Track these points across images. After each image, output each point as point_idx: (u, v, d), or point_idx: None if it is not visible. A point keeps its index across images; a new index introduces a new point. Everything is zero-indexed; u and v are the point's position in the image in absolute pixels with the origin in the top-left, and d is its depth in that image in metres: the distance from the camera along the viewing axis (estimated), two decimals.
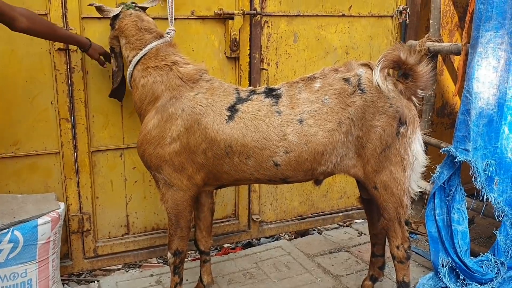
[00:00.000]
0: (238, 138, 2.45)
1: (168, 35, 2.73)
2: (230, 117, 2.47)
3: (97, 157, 3.17)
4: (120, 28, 2.71)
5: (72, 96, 2.99)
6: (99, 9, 2.74)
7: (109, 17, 2.75)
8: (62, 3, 2.84)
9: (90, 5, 2.77)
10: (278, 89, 2.55)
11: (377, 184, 2.56)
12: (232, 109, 2.49)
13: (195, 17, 3.21)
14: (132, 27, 2.68)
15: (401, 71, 2.57)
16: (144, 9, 2.82)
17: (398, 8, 3.85)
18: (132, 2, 2.81)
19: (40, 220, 2.73)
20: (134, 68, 2.66)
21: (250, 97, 2.53)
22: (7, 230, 2.62)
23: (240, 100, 2.52)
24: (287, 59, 3.60)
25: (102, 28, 2.97)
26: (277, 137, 2.44)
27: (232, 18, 3.26)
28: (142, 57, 2.64)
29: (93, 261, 3.28)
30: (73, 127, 3.03)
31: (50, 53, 2.90)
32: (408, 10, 3.82)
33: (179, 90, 2.55)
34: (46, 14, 2.83)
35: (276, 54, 3.55)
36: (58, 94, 2.95)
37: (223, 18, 3.27)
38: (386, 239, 2.84)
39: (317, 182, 2.73)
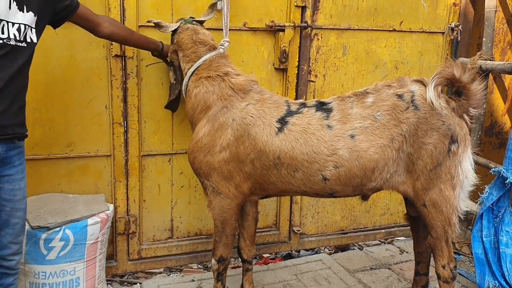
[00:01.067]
0: (287, 150, 2.47)
1: (222, 47, 2.80)
2: (280, 129, 2.49)
3: (147, 161, 3.25)
4: (178, 42, 2.79)
5: (126, 102, 3.08)
6: (157, 25, 2.83)
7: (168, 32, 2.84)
8: (120, 12, 2.94)
9: (148, 21, 2.88)
10: (329, 103, 2.55)
11: (426, 202, 2.52)
12: (282, 121, 2.51)
13: (247, 28, 3.27)
14: (188, 41, 2.76)
15: (454, 89, 2.53)
16: (201, 22, 2.90)
17: (450, 24, 3.80)
18: (190, 17, 2.89)
19: (90, 221, 2.82)
20: (189, 79, 2.73)
21: (301, 110, 2.54)
22: (59, 228, 2.71)
23: (290, 113, 2.54)
24: (335, 72, 3.60)
25: (158, 36, 3.04)
26: (327, 151, 2.44)
27: (283, 30, 3.29)
28: (196, 68, 2.71)
29: (137, 263, 3.35)
30: (125, 131, 3.12)
31: (107, 59, 3.00)
32: (460, 27, 3.77)
33: (230, 100, 2.60)
34: None
35: (324, 67, 3.56)
36: (113, 99, 3.05)
37: (274, 30, 3.31)
38: (431, 257, 2.79)
39: (364, 197, 2.71)
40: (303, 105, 2.58)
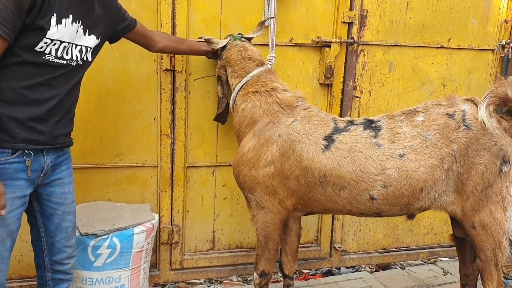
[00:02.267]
0: (333, 168, 2.46)
1: (270, 62, 2.84)
2: (327, 147, 2.49)
3: (191, 173, 3.31)
4: (227, 58, 2.85)
5: (174, 114, 3.15)
6: (208, 41, 2.90)
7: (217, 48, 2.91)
8: (172, 27, 3.03)
9: (200, 38, 2.97)
10: (378, 121, 2.53)
11: (475, 223, 2.46)
12: (329, 139, 2.51)
13: (293, 44, 3.30)
14: (237, 57, 2.82)
15: (506, 108, 2.48)
16: (249, 39, 2.96)
17: (501, 42, 3.72)
18: (239, 33, 2.96)
19: (136, 229, 2.88)
20: (237, 94, 2.78)
21: (348, 127, 2.54)
22: (106, 236, 2.79)
23: (337, 130, 2.53)
24: (380, 88, 3.58)
25: None
26: (376, 170, 2.42)
27: (329, 46, 3.30)
28: (244, 83, 2.75)
29: (178, 273, 3.40)
30: (172, 143, 3.19)
31: (157, 73, 3.09)
32: (511, 44, 3.68)
33: (277, 115, 2.62)
34: None
35: (370, 83, 3.54)
36: (161, 111, 3.13)
37: (320, 46, 3.33)
38: (478, 280, 2.71)
39: (410, 216, 2.67)
40: (351, 122, 2.57)
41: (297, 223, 2.92)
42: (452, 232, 2.85)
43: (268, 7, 3.10)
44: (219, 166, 3.35)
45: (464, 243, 2.78)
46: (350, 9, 3.34)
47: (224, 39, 2.94)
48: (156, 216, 3.07)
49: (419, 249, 3.96)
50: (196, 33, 3.08)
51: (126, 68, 3.04)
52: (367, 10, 3.40)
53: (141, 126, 3.14)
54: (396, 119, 2.51)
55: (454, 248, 3.99)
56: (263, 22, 3.01)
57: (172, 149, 3.20)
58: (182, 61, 3.07)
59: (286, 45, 3.28)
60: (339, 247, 3.68)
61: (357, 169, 2.43)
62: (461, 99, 2.49)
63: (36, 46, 1.97)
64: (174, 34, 3.04)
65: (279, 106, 2.65)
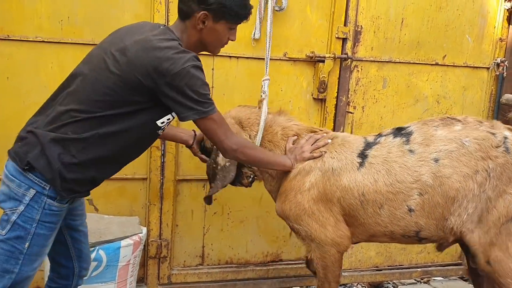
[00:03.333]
0: (370, 184, 2.39)
1: (264, 93, 2.76)
2: (361, 164, 2.43)
3: (181, 186, 3.27)
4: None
5: None
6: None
7: None
8: None
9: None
10: (407, 127, 2.48)
11: (491, 259, 2.33)
12: (362, 155, 2.45)
13: (287, 58, 3.28)
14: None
15: None
16: None
17: (496, 60, 3.71)
18: None
19: (123, 242, 2.84)
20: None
21: (378, 140, 2.49)
22: (93, 248, 2.74)
23: (368, 145, 2.49)
24: (374, 104, 3.56)
25: None
26: (411, 178, 2.34)
27: (323, 61, 3.29)
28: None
29: None
30: (163, 155, 3.15)
31: None
32: (506, 62, 3.67)
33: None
34: None
35: (363, 98, 3.52)
36: None
37: (314, 61, 3.31)
38: None
39: (441, 247, 2.57)
40: (379, 135, 2.53)
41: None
42: (467, 265, 2.71)
43: (260, 23, 3.09)
44: None
45: (481, 275, 2.63)
46: (345, 24, 3.33)
47: None
48: (144, 230, 3.02)
49: (412, 267, 3.90)
50: None
51: None
52: (361, 26, 3.39)
53: None
54: (431, 123, 2.44)
55: (448, 267, 3.98)
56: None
57: (162, 162, 3.17)
58: None
59: (280, 60, 3.27)
60: None
61: (393, 180, 2.36)
62: (503, 126, 2.42)
63: (160, 119, 2.13)
64: None
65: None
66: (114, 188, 3.14)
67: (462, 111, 3.76)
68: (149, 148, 3.09)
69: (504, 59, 3.69)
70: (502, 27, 3.69)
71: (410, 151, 2.37)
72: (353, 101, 3.49)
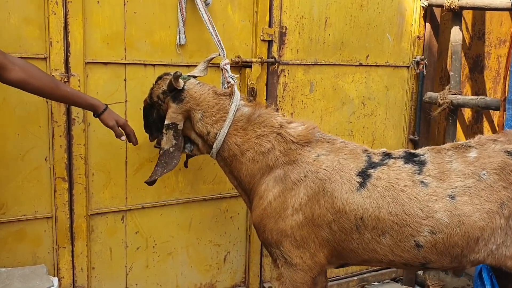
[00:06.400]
0: (372, 210, 2.12)
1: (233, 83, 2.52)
2: (362, 184, 2.15)
3: (95, 221, 2.75)
4: (195, 100, 2.36)
5: (70, 152, 2.58)
6: (175, 78, 2.35)
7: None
8: (64, 46, 2.48)
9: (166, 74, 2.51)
10: (421, 155, 2.23)
11: None
12: (363, 175, 2.16)
13: (210, 64, 2.87)
14: (210, 97, 2.38)
15: None
16: (195, 78, 2.52)
17: (415, 58, 3.66)
18: (177, 72, 2.44)
19: None
20: (223, 142, 2.34)
21: (385, 161, 2.22)
22: None
23: (372, 164, 2.21)
24: (302, 110, 3.32)
25: (107, 75, 2.62)
26: (422, 213, 2.09)
27: (250, 67, 2.97)
28: (228, 128, 2.34)
29: None
30: (70, 187, 2.61)
31: (47, 102, 2.51)
32: (425, 60, 3.65)
33: (297, 154, 2.27)
34: (45, 58, 2.47)
35: (291, 104, 3.27)
36: (55, 149, 2.54)
37: (240, 66, 2.98)
38: None
39: (458, 272, 2.36)
40: (387, 155, 2.25)
41: (323, 276, 2.50)
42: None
43: (184, 26, 2.71)
44: (129, 210, 2.83)
45: None
46: (269, 26, 3.04)
47: (161, 76, 2.49)
48: (55, 281, 2.46)
49: (348, 277, 3.74)
50: (96, 53, 2.57)
51: (6, 98, 2.42)
52: (285, 27, 3.12)
53: (28, 170, 2.53)
54: (444, 153, 2.21)
55: (381, 271, 3.90)
56: (211, 59, 2.61)
57: (70, 195, 2.62)
58: (79, 86, 2.52)
59: None
60: (269, 287, 3.32)
61: (399, 210, 2.10)
62: None
63: None
64: (67, 54, 2.49)
65: (295, 144, 2.28)
66: (9, 233, 2.53)
67: (386, 111, 3.68)
68: (53, 179, 2.55)
69: (423, 57, 3.66)
70: (419, 25, 3.65)
71: (422, 182, 2.14)
72: (282, 108, 3.22)
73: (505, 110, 3.04)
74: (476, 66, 3.94)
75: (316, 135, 2.33)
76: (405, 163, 2.20)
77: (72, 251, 2.68)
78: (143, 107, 2.58)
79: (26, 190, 2.53)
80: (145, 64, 2.73)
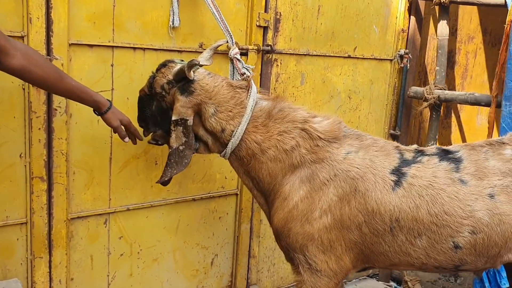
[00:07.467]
0: (409, 210, 1.98)
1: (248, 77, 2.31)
2: (397, 183, 1.99)
3: (76, 226, 2.40)
4: (207, 93, 2.10)
5: (50, 147, 2.22)
6: (190, 66, 2.07)
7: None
8: (46, 25, 2.11)
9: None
10: (455, 152, 2.10)
11: None
12: (398, 173, 2.01)
13: (203, 50, 2.63)
14: (225, 90, 2.12)
15: None
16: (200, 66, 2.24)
17: (399, 51, 3.60)
18: (182, 60, 2.23)
19: None
20: (240, 140, 2.10)
21: (419, 158, 2.07)
22: None
23: (405, 162, 2.06)
24: (293, 103, 3.12)
25: (93, 59, 2.28)
26: (463, 212, 1.96)
27: (246, 54, 2.74)
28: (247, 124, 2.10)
29: None
30: (49, 188, 2.25)
31: (24, 89, 2.13)
32: (409, 54, 3.59)
33: (324, 151, 2.07)
34: (22, 37, 2.08)
35: None
36: (32, 145, 2.17)
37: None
38: None
39: (478, 273, 2.25)
40: (420, 152, 2.10)
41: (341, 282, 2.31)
42: None
43: (178, 6, 2.42)
44: (113, 212, 2.51)
45: None
46: (265, 10, 2.82)
47: (164, 64, 2.19)
48: None
49: None
50: (81, 32, 2.23)
51: None
52: (280, 13, 2.91)
53: (0, 168, 2.14)
54: (479, 150, 2.10)
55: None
56: (217, 46, 2.32)
57: (49, 197, 2.27)
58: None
59: (195, 52, 2.59)
60: None
61: (439, 210, 1.97)
62: None
63: None
64: (50, 33, 2.13)
65: (322, 141, 2.07)
66: None
67: (370, 106, 3.59)
68: (30, 179, 2.19)
69: (407, 50, 3.60)
70: (403, 18, 3.59)
71: (461, 181, 2.02)
72: None
73: (497, 107, 3.03)
74: (449, 61, 3.95)
75: (344, 131, 2.15)
76: (440, 160, 2.09)
77: (50, 261, 2.32)
78: (139, 98, 2.28)
79: None
80: (134, 48, 2.41)
